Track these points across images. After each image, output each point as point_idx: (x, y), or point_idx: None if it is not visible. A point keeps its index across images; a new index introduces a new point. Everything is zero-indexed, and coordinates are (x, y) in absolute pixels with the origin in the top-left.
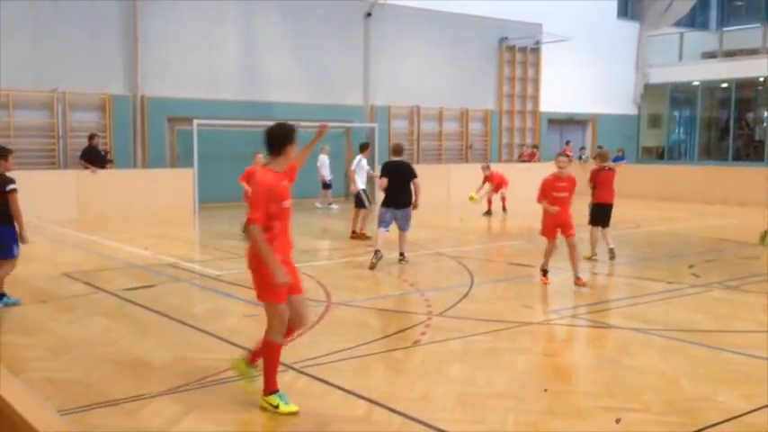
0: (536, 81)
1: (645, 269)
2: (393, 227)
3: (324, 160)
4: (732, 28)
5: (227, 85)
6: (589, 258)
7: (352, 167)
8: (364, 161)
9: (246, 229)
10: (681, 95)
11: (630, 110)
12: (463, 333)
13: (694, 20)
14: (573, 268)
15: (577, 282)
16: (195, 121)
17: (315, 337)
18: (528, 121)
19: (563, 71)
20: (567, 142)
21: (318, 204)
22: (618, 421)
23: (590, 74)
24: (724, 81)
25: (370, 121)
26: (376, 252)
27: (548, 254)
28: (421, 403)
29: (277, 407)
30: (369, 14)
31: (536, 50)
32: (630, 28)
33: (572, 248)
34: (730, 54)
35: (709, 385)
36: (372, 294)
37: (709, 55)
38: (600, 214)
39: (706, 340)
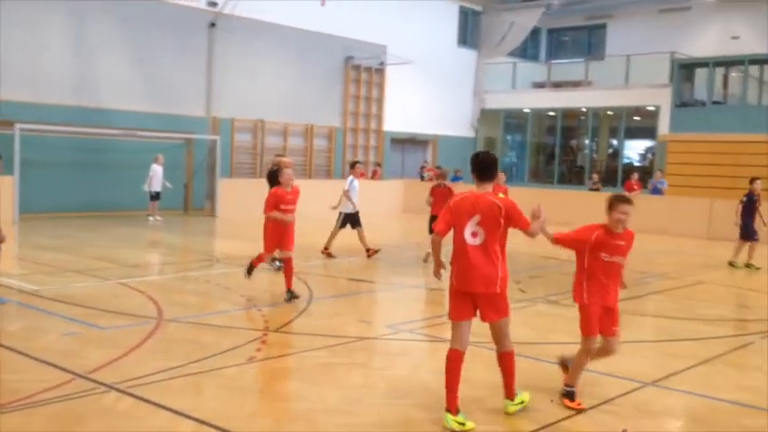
0: (380, 101)
1: None
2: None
3: (156, 170)
4: (559, 61)
5: (54, 89)
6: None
7: (346, 188)
8: (356, 182)
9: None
10: (513, 121)
11: (468, 132)
12: (299, 349)
13: (526, 51)
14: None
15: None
16: (17, 126)
17: (142, 355)
18: (372, 140)
19: (406, 92)
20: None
21: (150, 217)
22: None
23: (431, 96)
24: (551, 110)
25: (213, 134)
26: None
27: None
28: (251, 421)
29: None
30: (213, 24)
31: (381, 71)
32: (469, 55)
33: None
34: (557, 85)
35: (530, 395)
36: (206, 310)
37: (539, 85)
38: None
39: (529, 352)
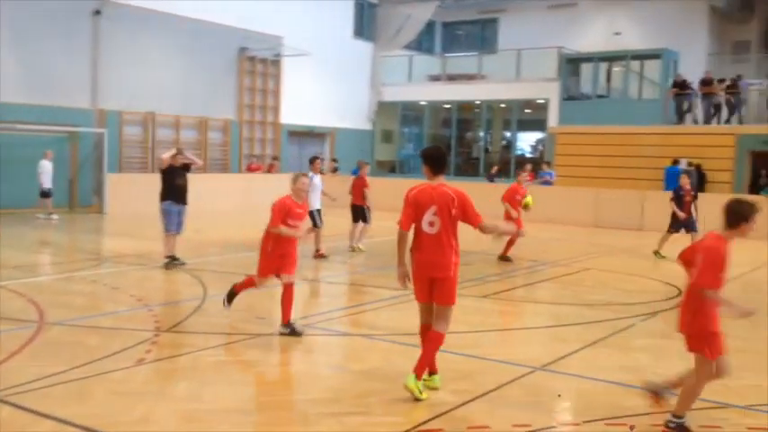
0: (276, 93)
1: (376, 277)
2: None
3: (45, 166)
4: (453, 54)
5: None
6: (353, 251)
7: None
8: (317, 178)
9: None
10: (410, 113)
11: (365, 125)
12: (193, 348)
13: (422, 44)
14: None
15: None
16: None
17: (21, 361)
18: (269, 133)
19: (303, 84)
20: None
21: (40, 215)
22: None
23: (329, 89)
24: (447, 102)
25: (99, 127)
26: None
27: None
28: (141, 425)
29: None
30: (98, 12)
31: (277, 63)
32: (365, 48)
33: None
34: (452, 78)
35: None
36: (93, 312)
37: (435, 78)
38: (356, 213)
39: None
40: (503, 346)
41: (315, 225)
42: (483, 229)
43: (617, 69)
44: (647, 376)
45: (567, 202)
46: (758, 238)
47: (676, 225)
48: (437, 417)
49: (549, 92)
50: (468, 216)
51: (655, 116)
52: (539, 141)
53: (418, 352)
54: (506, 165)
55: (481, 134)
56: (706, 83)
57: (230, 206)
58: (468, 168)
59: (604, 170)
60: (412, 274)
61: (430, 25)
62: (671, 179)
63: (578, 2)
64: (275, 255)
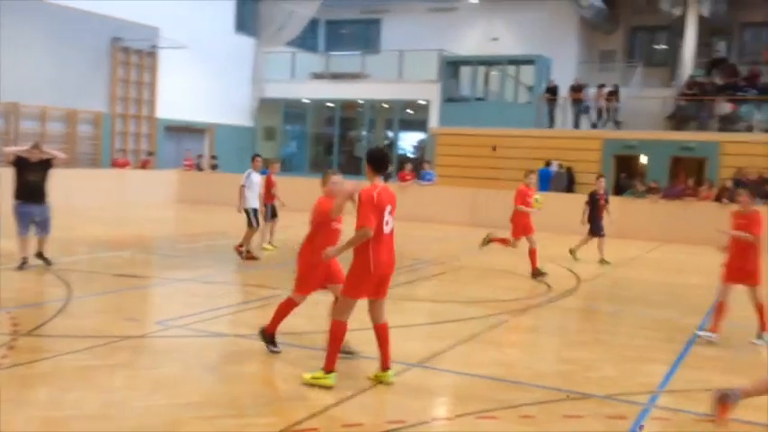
0: (152, 86)
1: (255, 276)
2: None
3: None
4: (337, 53)
5: None
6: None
7: (243, 182)
8: (255, 175)
9: None
10: (293, 111)
11: (247, 122)
12: (54, 353)
13: (305, 42)
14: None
15: None
16: None
17: None
18: (144, 127)
19: (181, 78)
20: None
21: None
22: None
23: (208, 83)
24: (330, 101)
25: None
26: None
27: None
28: None
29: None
30: None
31: (153, 55)
32: (247, 43)
33: None
34: (336, 76)
35: (302, 384)
36: None
37: (318, 76)
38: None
39: (303, 341)
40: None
41: (250, 225)
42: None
43: (494, 73)
44: (518, 370)
45: (447, 202)
46: (632, 237)
47: (595, 228)
48: (312, 416)
49: (430, 93)
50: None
51: (529, 119)
52: (421, 142)
53: (295, 352)
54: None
55: (364, 133)
56: (575, 89)
57: (102, 203)
58: (351, 167)
59: (482, 170)
60: (367, 274)
61: (313, 23)
62: (544, 180)
63: (458, 6)
64: (322, 263)
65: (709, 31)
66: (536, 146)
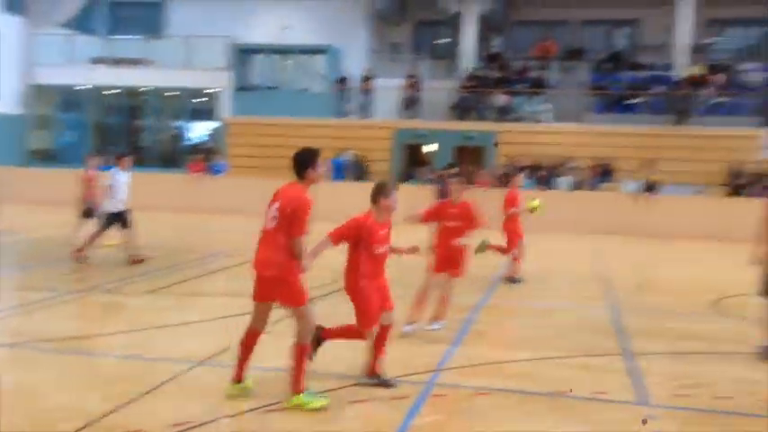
0: None
1: (23, 278)
2: None
3: None
4: (119, 37)
5: None
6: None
7: (108, 182)
8: (121, 175)
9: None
10: (71, 98)
11: (15, 109)
12: None
13: (84, 24)
14: None
15: None
16: None
17: None
18: None
19: None
20: None
21: None
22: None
23: None
24: (113, 88)
25: None
26: None
27: None
28: None
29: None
30: None
31: None
32: (15, 22)
33: None
34: (118, 62)
35: (75, 393)
36: None
37: (98, 60)
38: (88, 212)
39: (77, 346)
40: (163, 343)
41: (125, 227)
42: None
43: (287, 62)
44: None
45: (241, 193)
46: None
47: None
48: (84, 428)
49: (220, 81)
50: None
51: (323, 109)
52: (212, 131)
53: (68, 358)
54: (177, 155)
55: (150, 122)
56: (365, 79)
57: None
58: (136, 158)
59: (278, 161)
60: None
61: (93, 3)
62: (338, 170)
63: None
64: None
65: (486, 27)
66: (329, 135)
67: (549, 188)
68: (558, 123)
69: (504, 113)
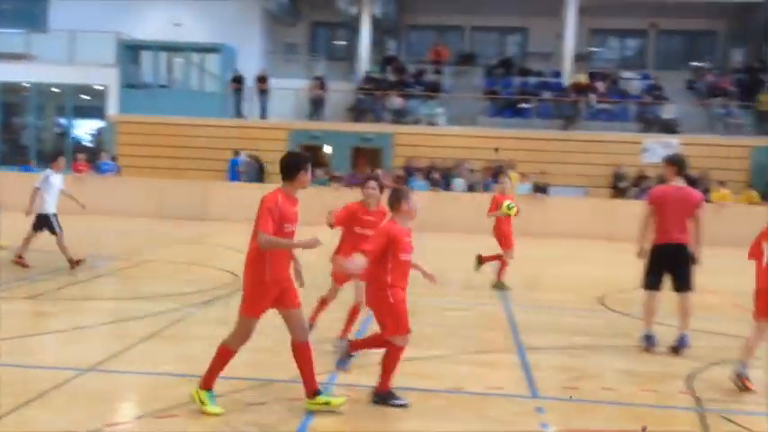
0: None
1: None
2: None
3: None
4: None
5: None
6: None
7: (37, 185)
8: (55, 177)
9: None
10: None
11: None
12: None
13: None
14: None
15: None
16: None
17: None
18: None
19: None
20: None
21: None
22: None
23: None
24: None
25: None
26: None
27: None
28: None
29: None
30: None
31: None
32: None
33: None
34: None
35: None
36: None
37: None
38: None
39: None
40: (48, 349)
41: (53, 232)
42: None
43: (179, 60)
44: (203, 364)
45: (130, 194)
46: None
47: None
48: None
49: (107, 78)
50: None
51: (217, 109)
52: (98, 130)
53: None
54: (61, 154)
55: (31, 120)
56: (261, 80)
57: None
58: (16, 157)
59: (169, 161)
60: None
61: None
62: (234, 170)
63: None
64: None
65: (381, 30)
66: (224, 135)
67: (445, 190)
68: (452, 126)
69: (399, 116)
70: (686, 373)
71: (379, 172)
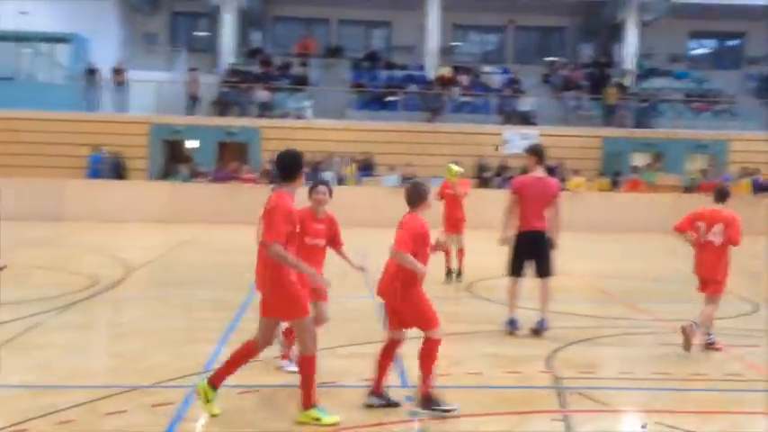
0: None
1: None
2: None
3: None
4: None
5: None
6: None
7: None
8: None
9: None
10: None
11: None
12: None
13: None
14: None
15: None
16: None
17: None
18: None
19: None
20: None
21: None
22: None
23: None
24: None
25: None
26: None
27: None
28: None
29: (318, 420)
30: None
31: None
32: None
33: None
34: None
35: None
36: None
37: None
38: None
39: None
40: None
41: None
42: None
43: (26, 51)
44: (57, 373)
45: None
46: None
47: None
48: None
49: None
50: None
51: (68, 102)
52: None
53: None
54: None
55: None
56: (117, 72)
57: None
58: None
59: (16, 158)
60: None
61: None
62: (95, 167)
63: None
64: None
65: (246, 21)
66: (77, 130)
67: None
68: (320, 120)
69: (266, 109)
70: (546, 354)
71: (246, 167)
